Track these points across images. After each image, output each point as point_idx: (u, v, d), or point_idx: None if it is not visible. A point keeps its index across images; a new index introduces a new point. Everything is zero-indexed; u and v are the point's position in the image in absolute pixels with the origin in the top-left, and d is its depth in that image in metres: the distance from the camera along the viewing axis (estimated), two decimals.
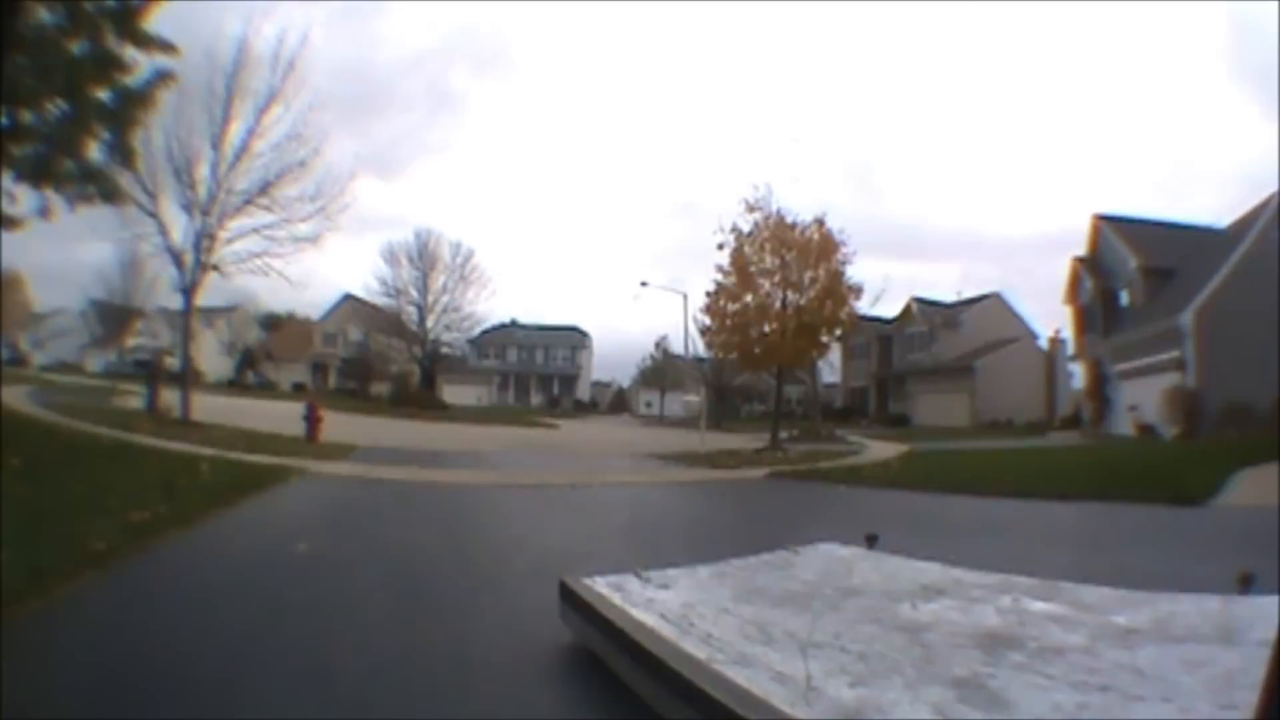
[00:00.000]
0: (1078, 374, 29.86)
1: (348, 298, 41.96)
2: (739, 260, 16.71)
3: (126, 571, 3.30)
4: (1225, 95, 60.64)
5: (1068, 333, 30.11)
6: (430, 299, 35.01)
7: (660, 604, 2.11)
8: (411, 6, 63.58)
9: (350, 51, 54.96)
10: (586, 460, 12.92)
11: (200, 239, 13.97)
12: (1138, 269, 23.92)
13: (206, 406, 15.37)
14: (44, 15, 8.24)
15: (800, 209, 18.36)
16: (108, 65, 8.85)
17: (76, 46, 8.59)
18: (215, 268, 14.25)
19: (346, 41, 55.51)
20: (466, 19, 68.34)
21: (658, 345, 44.96)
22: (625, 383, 56.59)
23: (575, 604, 2.29)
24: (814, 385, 33.66)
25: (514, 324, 50.03)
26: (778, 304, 16.54)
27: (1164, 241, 24.04)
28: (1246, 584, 2.01)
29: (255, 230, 14.29)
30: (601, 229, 79.05)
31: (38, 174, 9.07)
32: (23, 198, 9.29)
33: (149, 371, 20.28)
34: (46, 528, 3.71)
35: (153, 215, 13.68)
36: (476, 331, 38.39)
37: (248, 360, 44.00)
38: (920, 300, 38.10)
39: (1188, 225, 24.97)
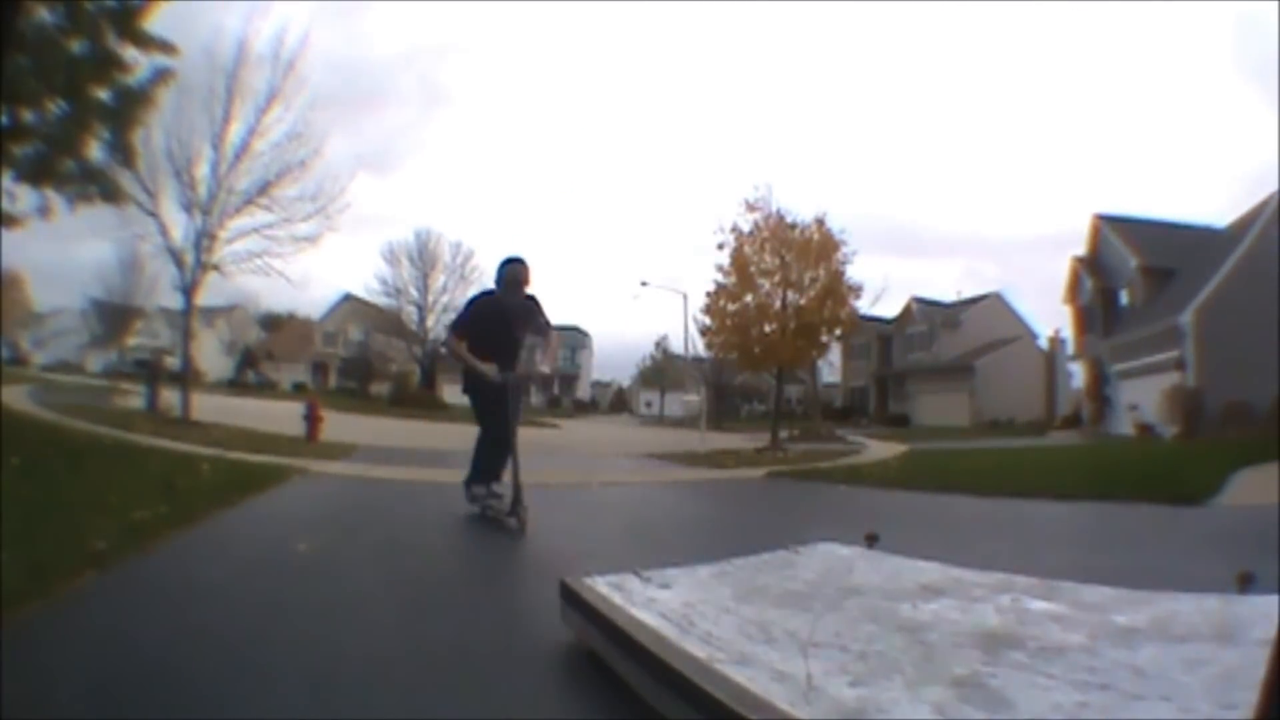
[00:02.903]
0: (1078, 374, 29.90)
1: (348, 298, 42.02)
2: (739, 260, 16.73)
3: (127, 571, 3.30)
4: (1226, 94, 60.75)
5: (1068, 332, 30.20)
6: (430, 299, 35.06)
7: (661, 603, 2.11)
8: (403, 3, 63.61)
9: (342, 47, 55.12)
10: (586, 460, 12.92)
11: (200, 239, 13.99)
12: (1138, 269, 23.95)
13: (206, 406, 15.38)
14: (44, 15, 8.25)
15: (800, 209, 18.41)
16: (108, 65, 8.86)
17: (76, 46, 8.60)
18: (215, 267, 14.27)
19: (338, 37, 55.63)
20: (460, 14, 68.43)
21: (658, 345, 45.07)
22: (625, 383, 56.64)
23: (575, 603, 2.29)
24: (814, 385, 33.67)
25: None
26: (778, 304, 16.56)
27: (1164, 241, 24.07)
28: (1246, 584, 2.01)
29: (255, 230, 14.32)
30: (601, 229, 79.18)
31: (38, 174, 9.09)
32: (23, 197, 9.31)
33: (149, 371, 20.27)
34: (47, 527, 3.71)
35: (153, 215, 13.72)
36: None
37: (248, 360, 44.03)
38: (920, 300, 38.15)
39: (1188, 225, 24.99)
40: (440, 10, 73.34)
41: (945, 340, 36.07)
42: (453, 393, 39.37)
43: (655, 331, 47.64)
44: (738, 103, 73.05)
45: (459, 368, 5.02)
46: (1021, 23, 67.22)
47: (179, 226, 14.06)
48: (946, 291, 48.15)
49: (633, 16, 74.06)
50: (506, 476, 4.78)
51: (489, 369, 4.71)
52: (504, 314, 4.92)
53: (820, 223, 16.82)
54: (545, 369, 5.34)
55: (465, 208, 70.58)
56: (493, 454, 4.87)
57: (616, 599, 2.16)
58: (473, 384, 4.88)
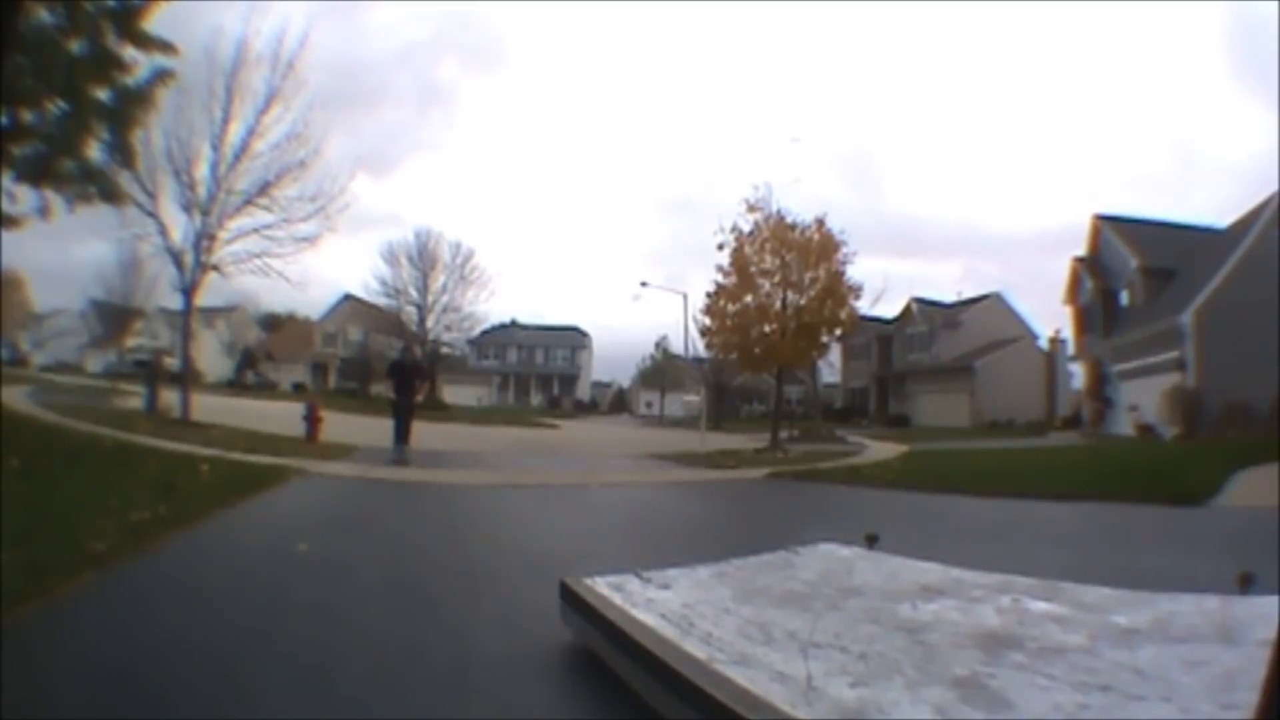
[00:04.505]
0: (1078, 374, 29.86)
1: (348, 298, 41.91)
2: (739, 260, 16.69)
3: (127, 571, 3.30)
4: (1226, 94, 60.75)
5: (1068, 333, 30.12)
6: (430, 299, 34.92)
7: (661, 604, 2.11)
8: (403, 3, 63.44)
9: (338, 46, 54.92)
10: (586, 460, 12.92)
11: (200, 239, 13.94)
12: (1138, 269, 23.91)
13: (206, 407, 15.37)
14: (44, 15, 8.23)
15: (801, 209, 18.38)
16: (108, 65, 8.84)
17: (76, 46, 8.59)
18: (215, 268, 14.22)
19: (334, 36, 55.46)
20: (457, 12, 68.39)
21: (658, 345, 44.98)
22: (625, 383, 56.59)
23: (576, 604, 2.29)
24: (814, 385, 33.65)
25: (514, 324, 50.04)
26: (778, 304, 16.53)
27: (1164, 241, 24.03)
28: (1246, 584, 2.01)
29: (255, 230, 14.28)
30: (601, 229, 79.21)
31: (38, 174, 9.07)
32: (23, 198, 9.29)
33: (149, 371, 20.23)
34: (46, 527, 3.71)
35: (152, 215, 13.66)
36: (476, 332, 38.33)
37: (248, 360, 44.00)
38: (920, 300, 38.09)
39: (1188, 225, 24.94)
40: (440, 10, 73.27)
41: (945, 340, 36.04)
42: (453, 394, 39.56)
43: (655, 331, 47.49)
44: (738, 102, 73.08)
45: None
46: (1021, 23, 67.14)
47: (179, 227, 14.03)
48: (946, 291, 48.07)
49: (633, 16, 74.06)
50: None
51: (390, 395, 10.98)
52: (406, 369, 11.40)
53: (820, 223, 16.81)
54: (419, 397, 12.04)
55: (465, 208, 70.36)
56: (401, 434, 10.58)
57: (616, 599, 2.16)
58: (391, 401, 10.87)
